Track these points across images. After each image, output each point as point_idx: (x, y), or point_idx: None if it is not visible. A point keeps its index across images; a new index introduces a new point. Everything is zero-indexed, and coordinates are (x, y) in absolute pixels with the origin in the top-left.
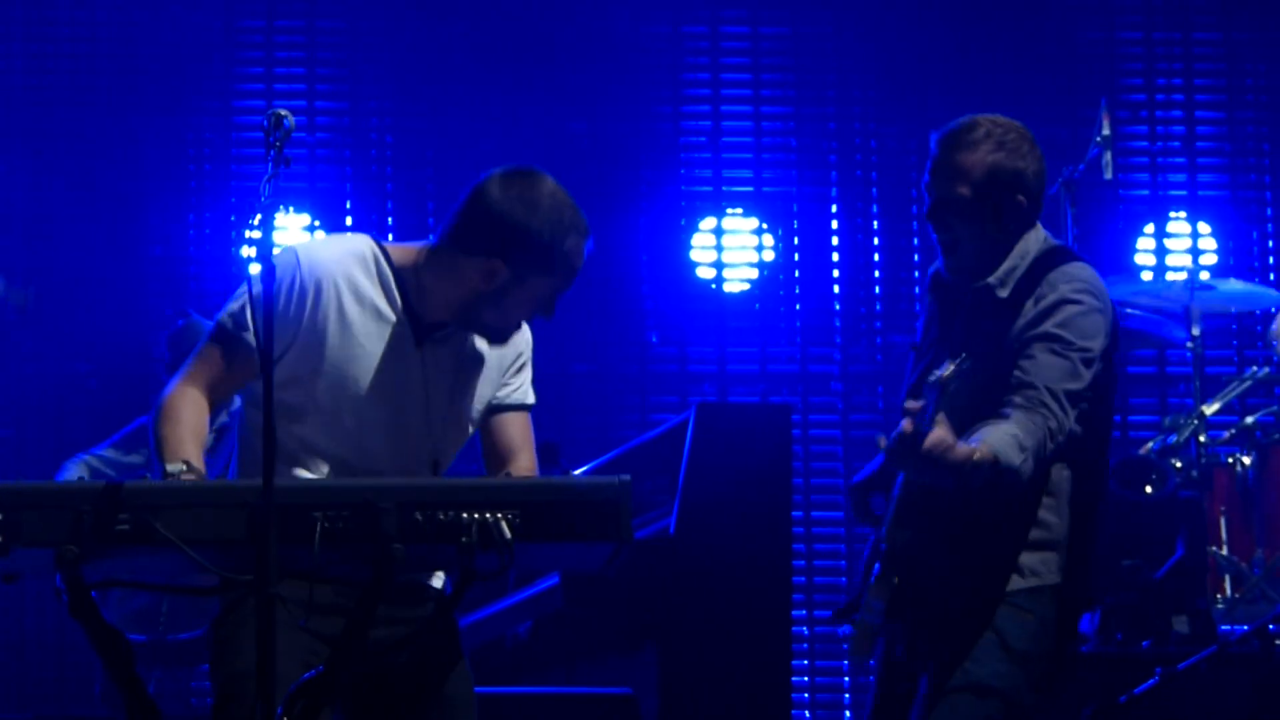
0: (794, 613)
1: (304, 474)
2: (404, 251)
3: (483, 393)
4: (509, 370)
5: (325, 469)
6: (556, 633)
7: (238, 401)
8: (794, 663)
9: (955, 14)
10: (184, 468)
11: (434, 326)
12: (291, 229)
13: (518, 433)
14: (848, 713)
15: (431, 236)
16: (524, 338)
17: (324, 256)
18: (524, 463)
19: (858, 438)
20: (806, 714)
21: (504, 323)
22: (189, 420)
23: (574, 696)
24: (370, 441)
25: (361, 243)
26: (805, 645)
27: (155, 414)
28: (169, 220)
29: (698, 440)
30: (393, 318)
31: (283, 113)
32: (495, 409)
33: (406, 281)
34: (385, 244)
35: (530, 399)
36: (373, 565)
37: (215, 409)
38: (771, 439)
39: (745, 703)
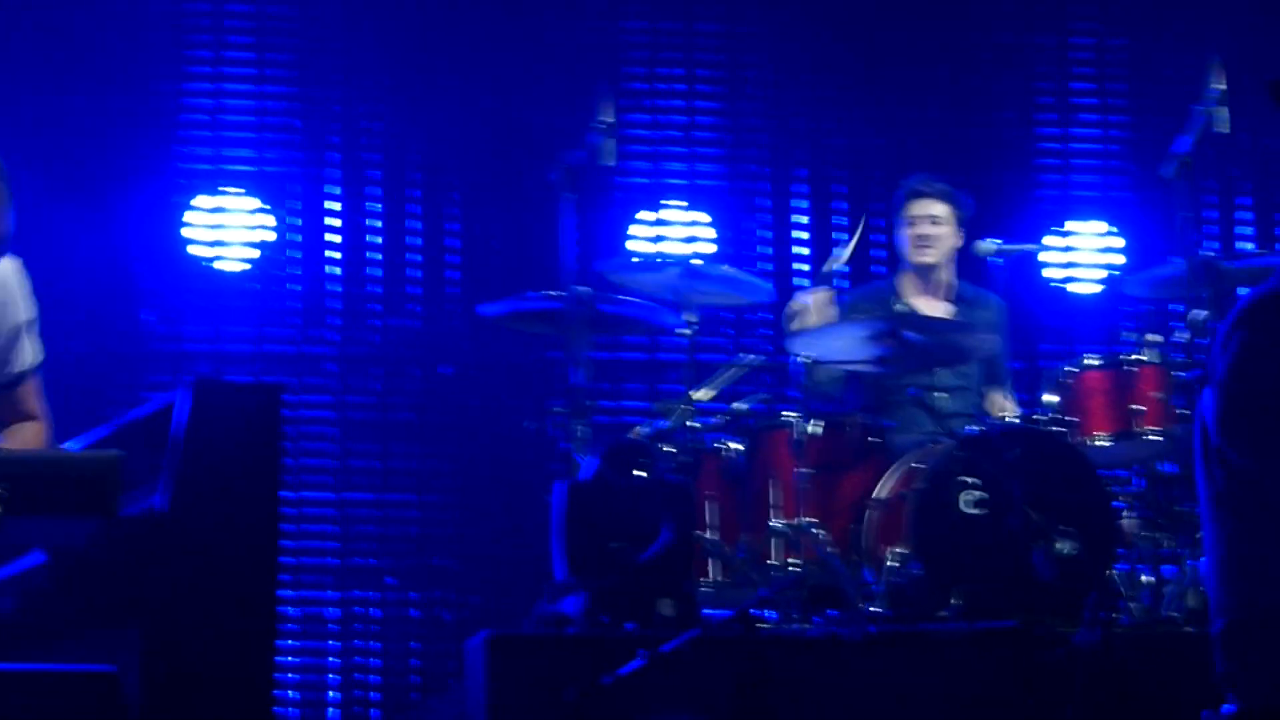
0: (281, 593)
1: None
2: None
3: None
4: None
5: None
6: (40, 610)
7: None
8: (279, 642)
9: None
10: None
11: None
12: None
13: (23, 401)
14: (331, 692)
15: None
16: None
17: None
18: (29, 433)
19: (354, 419)
20: (290, 693)
21: None
22: None
23: (53, 674)
24: None
25: None
26: (294, 625)
27: None
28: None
29: (188, 417)
30: None
31: None
32: None
33: None
34: None
35: (27, 363)
36: None
37: None
38: (262, 418)
39: (227, 680)
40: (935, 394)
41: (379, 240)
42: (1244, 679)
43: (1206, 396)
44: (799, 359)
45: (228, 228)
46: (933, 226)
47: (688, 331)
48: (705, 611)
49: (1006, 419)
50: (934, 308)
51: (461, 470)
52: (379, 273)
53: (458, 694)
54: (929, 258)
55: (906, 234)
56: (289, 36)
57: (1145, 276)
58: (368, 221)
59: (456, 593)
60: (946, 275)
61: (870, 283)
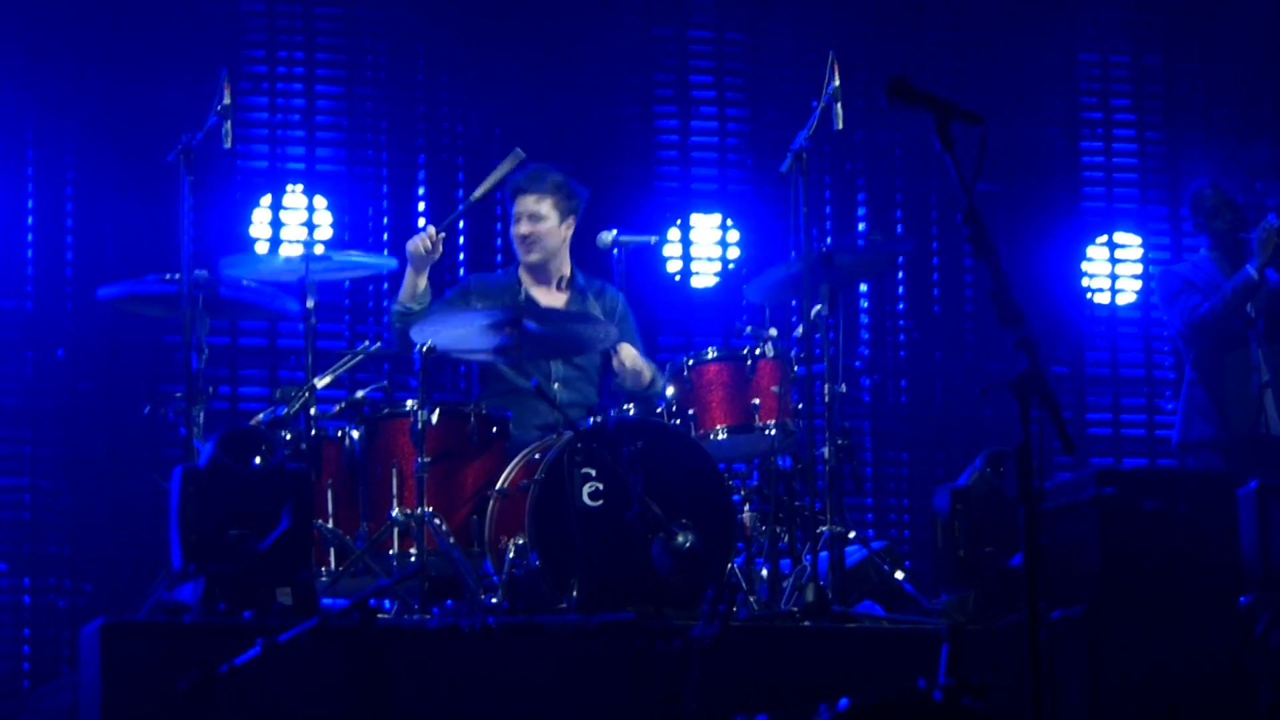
0: None
1: None
2: None
3: None
4: None
5: None
6: None
7: None
8: None
9: None
10: None
11: None
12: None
13: None
14: None
15: None
16: None
17: None
18: None
19: None
20: None
21: None
22: None
23: None
24: None
25: None
26: None
27: None
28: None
29: None
30: None
31: None
32: None
33: None
34: None
35: None
36: None
37: None
38: None
39: None
40: (551, 384)
41: None
42: None
43: None
44: (420, 348)
45: None
46: (532, 224)
47: (305, 318)
48: (324, 601)
49: (638, 371)
50: (552, 299)
51: (76, 455)
52: None
53: (71, 682)
54: (532, 256)
55: (513, 231)
56: None
57: (766, 279)
58: None
59: (70, 579)
60: (561, 267)
61: (494, 271)
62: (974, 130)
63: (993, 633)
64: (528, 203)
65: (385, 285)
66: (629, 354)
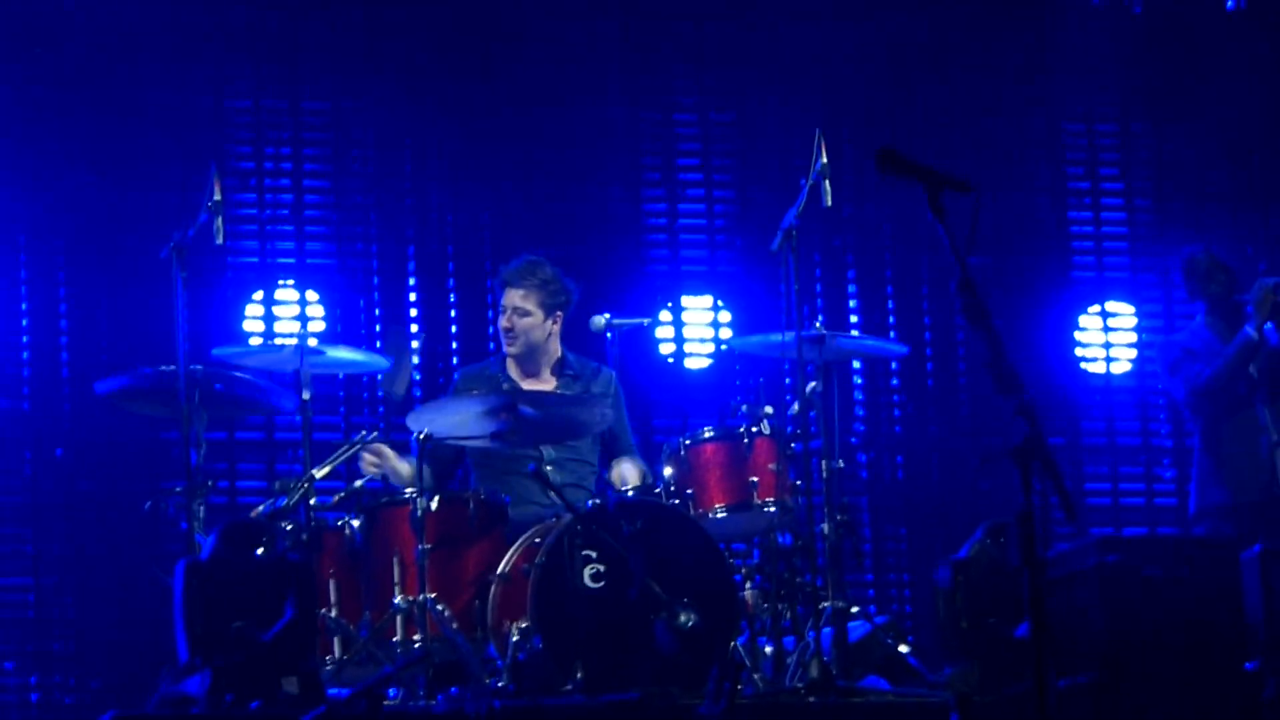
0: None
1: None
2: None
3: None
4: None
5: None
6: None
7: None
8: None
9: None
10: None
11: None
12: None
13: None
14: None
15: None
16: None
17: None
18: None
19: None
20: None
21: None
22: None
23: None
24: None
25: None
26: None
27: None
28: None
29: None
30: None
31: None
32: None
33: None
34: None
35: None
36: None
37: None
38: None
39: None
40: (545, 468)
41: None
42: None
43: None
44: (416, 436)
45: None
46: (516, 318)
47: (301, 411)
48: (329, 690)
49: (630, 489)
50: (540, 387)
51: (78, 553)
52: None
53: None
54: (513, 349)
55: (499, 322)
56: None
57: (757, 345)
58: None
59: (76, 677)
60: (549, 355)
61: (485, 360)
62: (965, 201)
63: (999, 703)
64: (513, 297)
65: (379, 376)
66: (626, 475)
